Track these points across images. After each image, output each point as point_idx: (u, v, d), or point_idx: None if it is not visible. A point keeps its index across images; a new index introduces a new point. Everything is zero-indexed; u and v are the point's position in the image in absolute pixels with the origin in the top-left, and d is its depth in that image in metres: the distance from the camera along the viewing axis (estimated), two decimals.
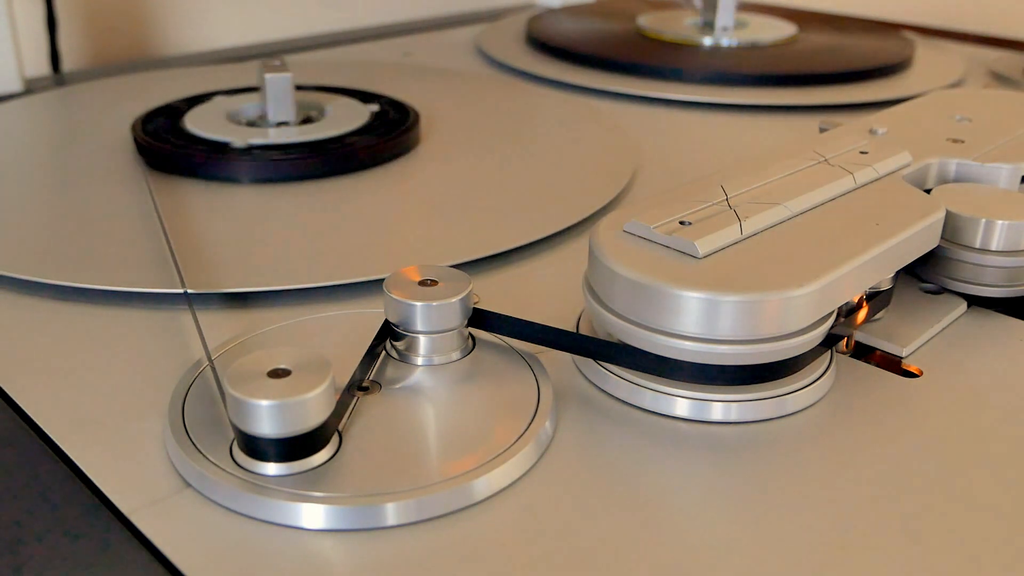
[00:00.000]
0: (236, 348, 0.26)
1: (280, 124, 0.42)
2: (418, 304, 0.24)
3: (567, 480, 0.22)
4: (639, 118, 0.50)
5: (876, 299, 0.28)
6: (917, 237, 0.26)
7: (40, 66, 0.63)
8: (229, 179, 0.39)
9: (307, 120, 0.44)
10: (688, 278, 0.23)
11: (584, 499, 0.21)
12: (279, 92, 0.42)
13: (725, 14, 0.63)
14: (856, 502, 0.21)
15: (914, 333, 0.28)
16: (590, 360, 0.26)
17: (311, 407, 0.20)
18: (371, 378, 0.24)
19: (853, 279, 0.24)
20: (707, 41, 0.61)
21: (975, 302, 0.30)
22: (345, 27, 0.77)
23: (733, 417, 0.24)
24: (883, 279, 0.27)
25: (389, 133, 0.42)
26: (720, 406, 0.24)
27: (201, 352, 0.26)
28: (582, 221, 0.36)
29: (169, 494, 0.21)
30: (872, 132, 0.33)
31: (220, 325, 0.28)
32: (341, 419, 0.22)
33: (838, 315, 0.25)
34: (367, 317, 0.28)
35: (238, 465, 0.21)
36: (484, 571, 0.19)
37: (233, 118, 0.43)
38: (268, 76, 0.42)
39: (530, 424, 0.23)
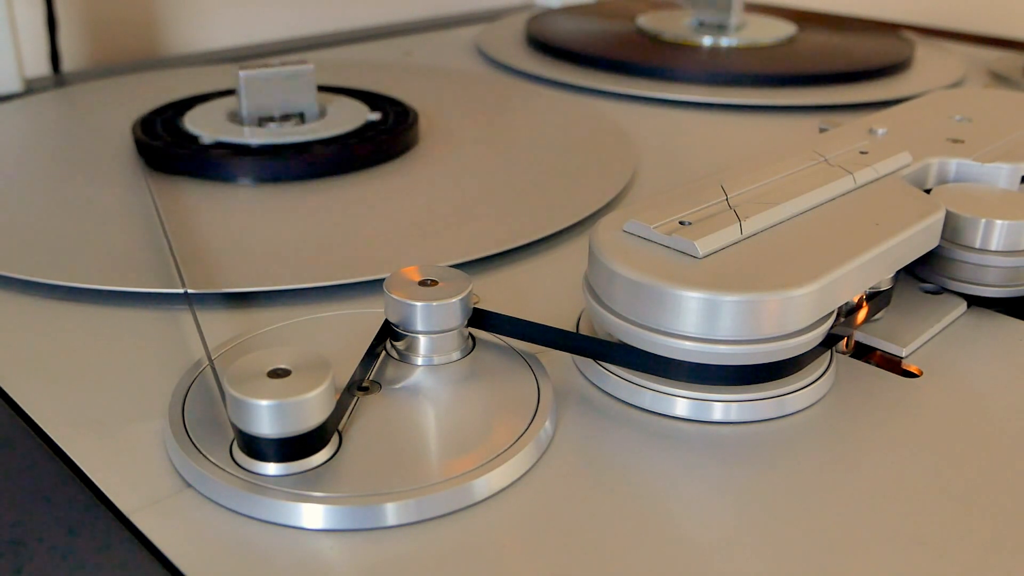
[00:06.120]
0: (236, 348, 0.26)
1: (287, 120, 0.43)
2: (418, 304, 0.24)
3: (567, 480, 0.22)
4: (639, 118, 0.50)
5: (876, 299, 0.28)
6: (917, 237, 0.26)
7: (40, 66, 0.63)
8: (229, 179, 0.39)
9: (302, 119, 0.43)
10: (688, 278, 0.23)
11: (584, 499, 0.21)
12: (312, 85, 0.43)
13: (736, 12, 0.63)
14: (856, 502, 0.21)
15: (914, 333, 0.28)
16: (590, 360, 0.26)
17: (311, 407, 0.20)
18: (371, 378, 0.24)
19: (853, 279, 0.24)
20: (707, 41, 0.61)
21: (975, 302, 0.30)
22: (345, 27, 0.77)
23: (733, 417, 0.24)
24: (883, 279, 0.27)
25: (389, 133, 0.42)
26: (720, 406, 0.24)
27: (201, 352, 0.26)
28: (582, 221, 0.36)
29: (169, 494, 0.21)
30: (872, 132, 0.33)
31: (220, 325, 0.28)
32: (341, 419, 0.22)
33: (838, 315, 0.25)
34: (367, 317, 0.28)
35: (238, 465, 0.21)
36: (484, 571, 0.19)
37: (234, 118, 0.43)
38: (303, 69, 0.42)
39: (530, 424, 0.23)
